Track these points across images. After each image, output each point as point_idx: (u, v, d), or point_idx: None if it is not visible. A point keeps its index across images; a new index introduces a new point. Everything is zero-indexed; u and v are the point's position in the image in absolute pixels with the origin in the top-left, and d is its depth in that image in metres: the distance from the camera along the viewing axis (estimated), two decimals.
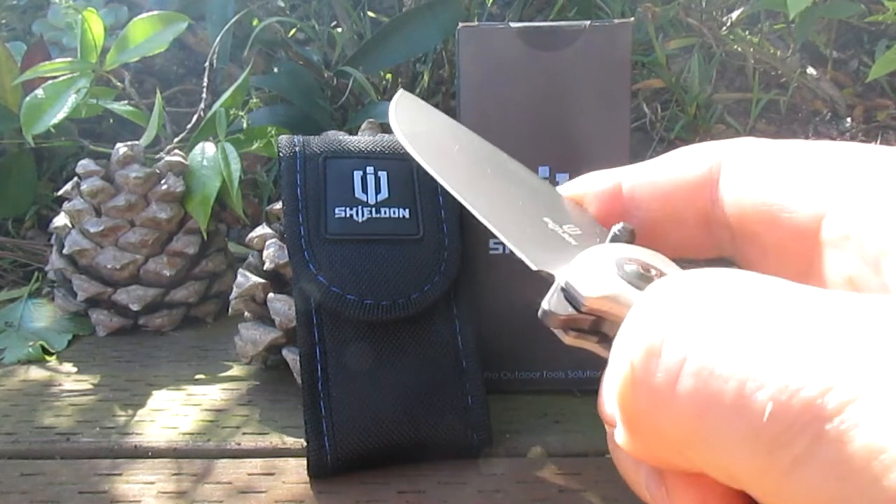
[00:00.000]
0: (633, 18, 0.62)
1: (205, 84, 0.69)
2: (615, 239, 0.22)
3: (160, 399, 0.50)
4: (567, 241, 0.23)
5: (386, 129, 0.53)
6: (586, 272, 0.20)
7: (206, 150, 0.62)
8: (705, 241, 0.24)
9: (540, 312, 0.21)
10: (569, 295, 0.20)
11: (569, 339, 0.21)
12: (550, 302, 0.21)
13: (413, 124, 0.29)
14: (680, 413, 0.15)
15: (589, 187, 0.26)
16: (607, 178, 0.26)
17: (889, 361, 0.12)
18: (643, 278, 0.19)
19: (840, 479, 0.12)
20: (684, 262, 0.21)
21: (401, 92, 0.32)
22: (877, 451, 0.12)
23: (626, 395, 0.16)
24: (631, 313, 0.17)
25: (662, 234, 0.24)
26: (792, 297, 0.15)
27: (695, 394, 0.14)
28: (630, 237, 0.23)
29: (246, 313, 0.52)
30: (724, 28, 0.83)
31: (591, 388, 0.49)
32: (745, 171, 0.22)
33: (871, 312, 0.14)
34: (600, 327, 0.20)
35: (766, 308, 0.14)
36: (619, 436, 0.18)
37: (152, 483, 0.41)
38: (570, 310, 0.20)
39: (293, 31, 0.88)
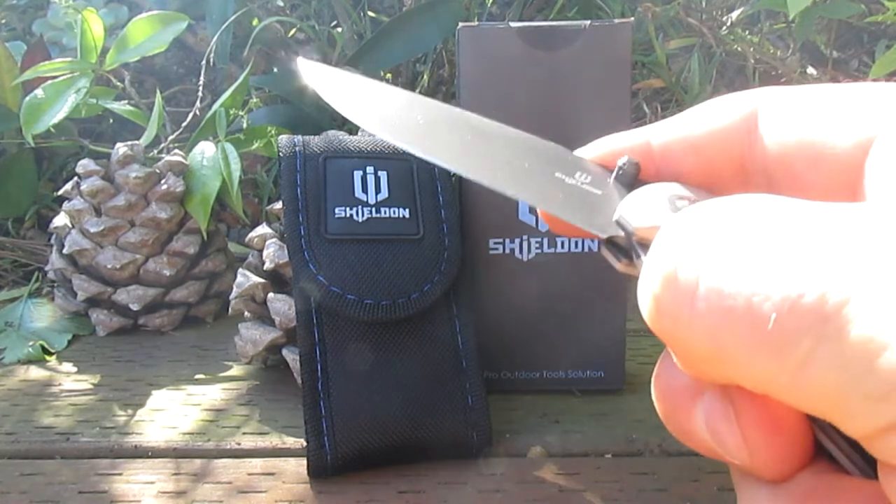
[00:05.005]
0: (633, 18, 0.62)
1: (201, 83, 0.69)
2: (621, 173, 0.24)
3: (160, 399, 0.50)
4: (590, 191, 0.24)
5: None
6: (639, 206, 0.22)
7: (206, 150, 0.62)
8: (741, 190, 0.23)
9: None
10: (621, 226, 0.22)
11: (620, 267, 0.23)
12: (602, 228, 0.23)
13: (352, 100, 0.27)
14: (699, 330, 0.16)
15: (615, 146, 0.25)
16: (634, 136, 0.25)
17: (878, 265, 0.14)
18: None
19: (841, 369, 0.14)
20: None
21: (300, 61, 0.30)
22: (868, 339, 0.14)
23: (652, 318, 0.18)
24: (653, 242, 0.18)
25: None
26: (790, 213, 0.16)
27: (708, 312, 0.16)
28: (635, 170, 0.24)
29: (246, 313, 0.52)
30: (724, 28, 0.83)
31: (591, 388, 0.49)
32: (784, 112, 0.22)
33: (862, 221, 0.15)
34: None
35: (766, 227, 0.16)
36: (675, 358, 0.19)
37: (152, 483, 0.41)
38: (620, 234, 0.22)
39: (293, 31, 0.88)
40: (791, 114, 0.22)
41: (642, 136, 0.25)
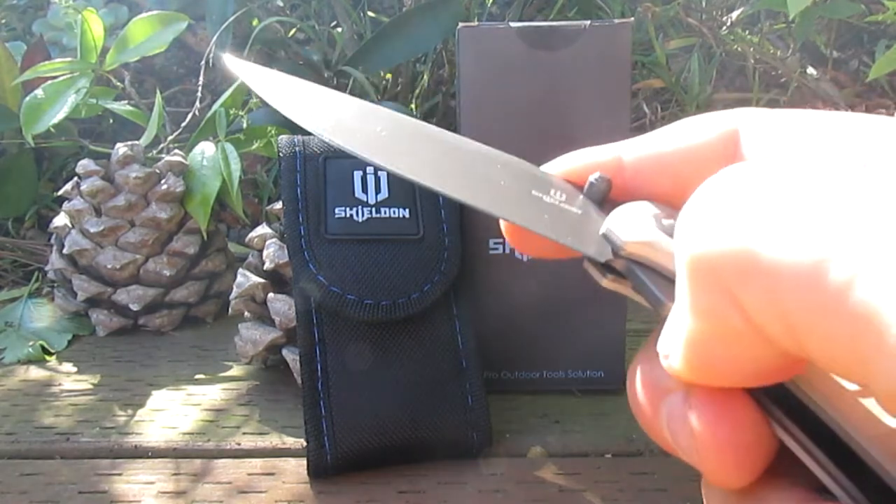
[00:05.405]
0: (633, 18, 0.62)
1: (201, 83, 0.69)
2: (592, 190, 0.23)
3: (160, 399, 0.50)
4: (569, 210, 0.23)
5: None
6: (626, 222, 0.22)
7: (206, 150, 0.62)
8: None
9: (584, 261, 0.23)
10: (609, 241, 0.22)
11: (606, 283, 0.22)
12: (590, 247, 0.22)
13: (300, 103, 0.25)
14: (740, 234, 0.16)
15: (585, 161, 0.24)
16: (605, 151, 0.24)
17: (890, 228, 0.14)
18: None
19: (889, 291, 0.13)
20: None
21: (227, 58, 0.27)
22: None
23: (694, 262, 0.17)
24: (692, 201, 0.18)
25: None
26: (819, 175, 0.16)
27: (755, 230, 0.15)
28: (607, 186, 0.23)
29: (246, 313, 0.52)
30: (724, 28, 0.83)
31: (591, 388, 0.49)
32: (771, 134, 0.22)
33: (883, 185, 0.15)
34: (636, 273, 0.21)
35: (802, 187, 0.15)
36: (677, 355, 0.18)
37: (152, 483, 0.41)
38: (609, 255, 0.22)
39: (293, 31, 0.88)
40: (779, 136, 0.22)
41: (613, 152, 0.24)
